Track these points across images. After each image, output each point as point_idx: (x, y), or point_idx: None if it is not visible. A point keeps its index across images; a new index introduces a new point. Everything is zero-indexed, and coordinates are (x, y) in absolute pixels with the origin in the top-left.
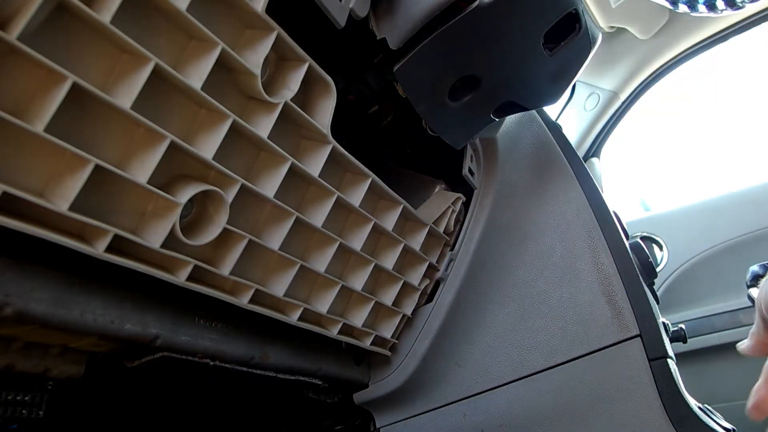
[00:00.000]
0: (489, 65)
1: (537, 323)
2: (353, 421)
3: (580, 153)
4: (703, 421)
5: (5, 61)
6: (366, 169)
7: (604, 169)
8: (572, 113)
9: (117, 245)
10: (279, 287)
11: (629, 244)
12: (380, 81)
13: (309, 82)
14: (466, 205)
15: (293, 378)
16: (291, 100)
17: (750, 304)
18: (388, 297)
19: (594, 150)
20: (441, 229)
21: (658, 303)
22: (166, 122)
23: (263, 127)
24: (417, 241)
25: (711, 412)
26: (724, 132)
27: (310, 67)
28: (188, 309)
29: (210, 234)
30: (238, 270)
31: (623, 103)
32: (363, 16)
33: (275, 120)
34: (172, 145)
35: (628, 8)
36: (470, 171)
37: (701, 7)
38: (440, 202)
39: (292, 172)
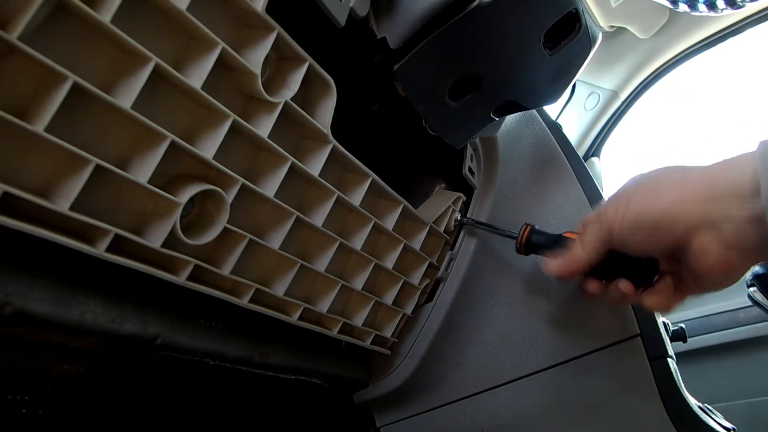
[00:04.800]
0: (489, 65)
1: (537, 323)
2: (353, 420)
3: (580, 152)
4: (703, 421)
5: (5, 60)
6: (366, 169)
7: (604, 169)
8: (572, 113)
9: (118, 245)
10: (279, 287)
11: None
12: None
13: (309, 82)
14: (466, 205)
15: (293, 378)
16: (291, 99)
17: (750, 303)
18: (389, 296)
19: (594, 149)
20: (441, 229)
21: None
22: (166, 122)
23: (263, 126)
24: (417, 241)
25: (711, 411)
26: (724, 131)
27: (310, 67)
28: (188, 308)
29: (210, 233)
30: (238, 269)
31: (623, 102)
32: (363, 15)
33: (275, 119)
34: (173, 145)
35: (629, 8)
36: (470, 171)
37: (701, 7)
38: (440, 202)
39: (293, 171)
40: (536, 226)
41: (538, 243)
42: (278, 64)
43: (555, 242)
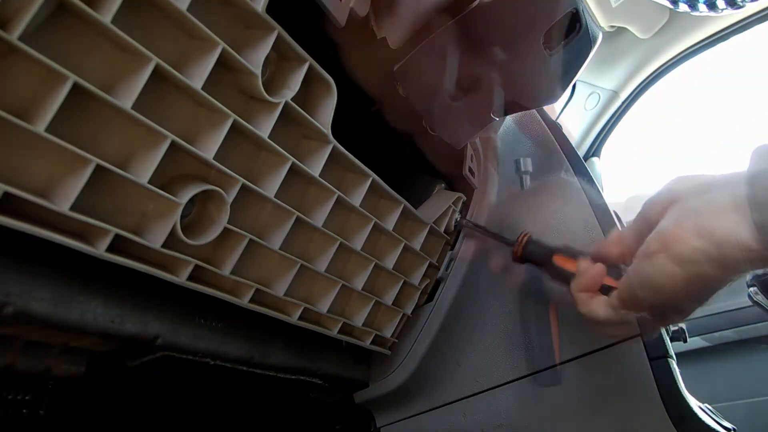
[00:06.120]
0: (489, 64)
1: (537, 323)
2: (353, 420)
3: (581, 152)
4: (703, 421)
5: (6, 60)
6: (367, 169)
7: (604, 169)
8: (572, 113)
9: (118, 245)
10: (279, 287)
11: None
12: None
13: (310, 82)
14: (466, 205)
15: (293, 377)
16: (292, 99)
17: (750, 303)
18: (389, 296)
19: (594, 149)
20: (441, 229)
21: None
22: (166, 122)
23: (264, 126)
24: (417, 241)
25: (711, 411)
26: (724, 129)
27: (310, 67)
28: (188, 308)
29: (211, 234)
30: (238, 269)
31: (624, 102)
32: (363, 15)
33: (276, 119)
34: (173, 145)
35: (629, 7)
36: (470, 171)
37: (702, 7)
38: (440, 202)
39: (293, 171)
40: (533, 236)
41: (534, 254)
42: (278, 64)
43: (551, 254)
